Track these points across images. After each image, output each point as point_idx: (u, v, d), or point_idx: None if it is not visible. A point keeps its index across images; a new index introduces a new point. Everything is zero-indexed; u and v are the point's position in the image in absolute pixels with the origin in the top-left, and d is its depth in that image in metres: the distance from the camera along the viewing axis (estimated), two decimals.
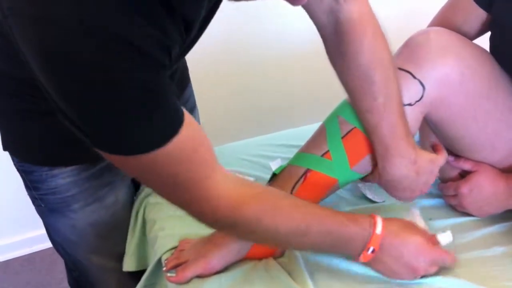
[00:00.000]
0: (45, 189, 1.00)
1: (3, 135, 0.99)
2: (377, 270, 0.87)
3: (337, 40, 0.89)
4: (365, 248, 0.82)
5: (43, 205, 1.04)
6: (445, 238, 0.91)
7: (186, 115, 0.68)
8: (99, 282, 1.17)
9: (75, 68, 0.57)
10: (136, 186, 1.17)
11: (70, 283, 1.26)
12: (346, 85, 0.92)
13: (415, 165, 0.91)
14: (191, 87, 1.25)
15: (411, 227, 0.87)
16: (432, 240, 0.87)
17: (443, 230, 0.91)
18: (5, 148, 1.00)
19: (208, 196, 0.73)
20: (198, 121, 1.32)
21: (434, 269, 0.87)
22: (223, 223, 0.77)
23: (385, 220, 0.84)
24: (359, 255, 0.83)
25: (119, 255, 1.13)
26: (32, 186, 1.02)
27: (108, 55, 0.57)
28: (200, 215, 0.76)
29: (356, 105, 0.91)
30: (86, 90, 0.58)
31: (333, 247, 0.84)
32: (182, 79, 1.19)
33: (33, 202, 1.06)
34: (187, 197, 0.72)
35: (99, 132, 0.63)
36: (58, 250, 1.16)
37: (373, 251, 0.82)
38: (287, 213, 0.79)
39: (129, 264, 1.12)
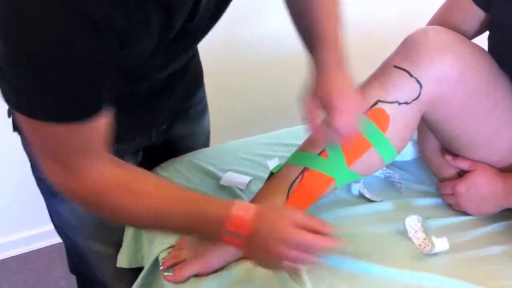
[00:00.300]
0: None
1: (13, 115, 1.01)
2: (248, 258, 0.84)
3: None
4: (223, 229, 0.77)
5: (46, 187, 1.07)
6: (440, 244, 0.91)
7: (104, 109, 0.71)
8: (97, 267, 1.19)
9: (19, 18, 0.60)
10: None
11: (70, 267, 1.28)
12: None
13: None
14: (204, 90, 1.25)
15: (275, 209, 0.82)
16: (306, 223, 0.78)
17: (440, 234, 0.92)
18: (14, 129, 1.02)
19: (83, 179, 0.75)
20: (208, 124, 1.32)
21: (297, 254, 0.77)
22: (89, 205, 0.80)
23: (248, 203, 0.82)
24: (222, 239, 0.79)
25: (116, 243, 1.14)
26: (38, 168, 1.02)
27: (50, 13, 0.60)
28: (70, 192, 0.78)
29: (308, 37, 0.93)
30: (23, 40, 0.61)
31: (195, 230, 0.81)
32: (195, 81, 1.20)
33: (38, 184, 1.09)
34: (62, 171, 0.75)
35: (15, 84, 0.65)
36: (59, 234, 1.18)
37: (231, 233, 0.77)
38: (149, 198, 0.79)
39: (121, 261, 1.12)
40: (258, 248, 0.78)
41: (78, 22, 0.61)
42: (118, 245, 1.13)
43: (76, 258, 1.21)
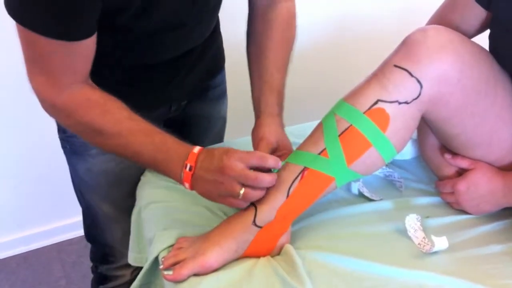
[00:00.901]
0: (71, 132, 1.11)
1: None
2: (199, 193, 0.91)
3: (262, 22, 1.13)
4: (183, 166, 0.88)
5: (68, 147, 1.18)
6: (440, 242, 0.91)
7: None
8: (107, 231, 1.27)
9: None
10: None
11: (85, 232, 1.35)
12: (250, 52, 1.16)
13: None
14: (224, 75, 1.34)
15: (226, 149, 0.88)
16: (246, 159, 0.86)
17: (440, 233, 0.92)
18: None
19: (62, 92, 0.88)
20: (225, 111, 1.41)
21: (245, 171, 0.85)
22: (64, 116, 0.92)
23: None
24: (180, 176, 0.89)
25: (125, 208, 1.18)
26: (62, 129, 1.17)
27: None
28: (49, 102, 0.89)
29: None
30: None
31: (155, 160, 0.91)
32: (214, 63, 1.28)
33: (61, 144, 1.19)
34: (46, 82, 0.87)
35: None
36: (76, 193, 1.27)
37: (190, 169, 0.88)
38: (116, 117, 0.90)
39: (130, 258, 1.16)
40: (204, 180, 0.87)
41: None
42: (129, 210, 1.17)
43: (89, 221, 1.28)
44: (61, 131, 1.17)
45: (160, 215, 1.04)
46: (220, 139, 1.42)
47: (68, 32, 0.80)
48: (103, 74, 0.92)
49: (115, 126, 0.90)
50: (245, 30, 1.16)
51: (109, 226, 1.26)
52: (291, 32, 1.15)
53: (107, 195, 1.21)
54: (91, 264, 1.38)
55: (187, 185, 0.90)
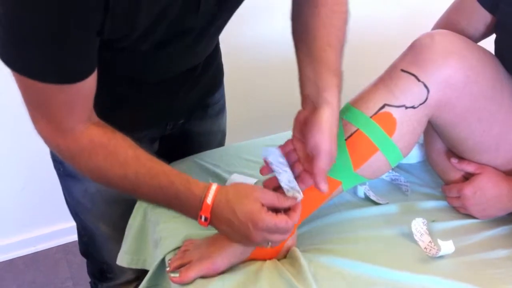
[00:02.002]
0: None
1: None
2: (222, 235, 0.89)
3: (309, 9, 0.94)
4: (198, 216, 0.83)
5: (62, 169, 1.13)
6: (446, 247, 0.91)
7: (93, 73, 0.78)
8: (105, 250, 1.24)
9: None
10: None
11: (80, 249, 1.32)
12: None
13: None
14: (223, 90, 1.29)
15: (246, 194, 0.83)
16: (275, 205, 0.82)
17: (446, 237, 0.92)
18: None
19: (67, 136, 0.82)
20: (225, 124, 1.36)
21: (275, 236, 0.82)
22: (71, 160, 0.86)
23: (220, 188, 0.84)
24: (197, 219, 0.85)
25: (123, 228, 1.16)
26: None
27: None
28: (55, 147, 0.85)
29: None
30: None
31: (170, 205, 0.87)
32: (214, 81, 1.23)
33: (54, 166, 1.15)
34: (49, 126, 0.81)
35: (7, 39, 0.70)
36: (72, 214, 1.23)
37: (206, 220, 0.83)
38: (122, 159, 0.84)
39: (120, 259, 1.14)
40: (225, 229, 0.84)
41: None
42: (123, 229, 1.16)
43: (86, 238, 1.25)
44: (54, 153, 1.09)
45: (167, 217, 1.04)
46: None
47: (66, 75, 0.74)
48: (99, 94, 0.84)
49: (120, 169, 0.84)
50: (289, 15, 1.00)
51: (106, 245, 1.23)
52: (341, 6, 0.96)
53: (104, 215, 1.18)
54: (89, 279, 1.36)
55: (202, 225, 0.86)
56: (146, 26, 0.79)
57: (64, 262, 1.99)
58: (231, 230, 0.83)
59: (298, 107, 0.91)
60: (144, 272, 1.02)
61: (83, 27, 0.70)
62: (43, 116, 0.80)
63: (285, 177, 0.85)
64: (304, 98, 0.90)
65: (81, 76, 0.76)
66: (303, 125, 0.87)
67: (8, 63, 0.72)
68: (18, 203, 1.96)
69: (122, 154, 0.84)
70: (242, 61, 1.82)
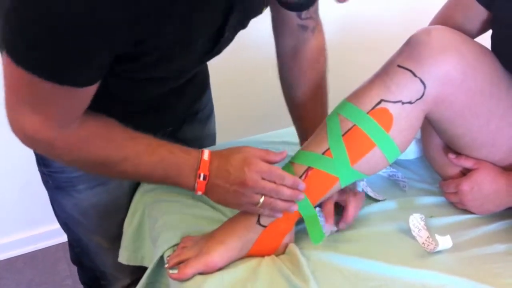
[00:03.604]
0: (54, 167, 1.06)
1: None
2: (215, 201, 0.91)
3: (293, 63, 1.11)
4: (196, 176, 0.86)
5: (50, 182, 1.11)
6: (444, 242, 0.92)
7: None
8: (98, 259, 1.23)
9: None
10: None
11: (71, 258, 1.31)
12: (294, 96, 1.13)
13: None
14: (210, 93, 1.30)
15: (238, 149, 0.88)
16: (265, 157, 0.88)
17: (444, 233, 0.92)
18: None
19: (64, 131, 0.81)
20: (214, 127, 1.37)
21: (266, 184, 0.85)
22: (67, 153, 0.85)
23: (212, 150, 0.90)
24: (194, 186, 0.88)
25: (117, 237, 1.16)
26: (43, 163, 1.08)
27: None
28: (47, 140, 0.82)
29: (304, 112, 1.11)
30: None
31: (166, 177, 0.89)
32: (201, 86, 1.24)
33: (42, 178, 1.13)
34: (42, 121, 0.79)
35: (18, 33, 0.68)
36: (62, 226, 1.21)
37: (204, 178, 0.86)
38: (119, 143, 0.86)
39: (121, 257, 1.15)
40: (222, 186, 0.86)
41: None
42: (119, 239, 1.16)
43: (78, 249, 1.24)
44: (42, 165, 1.10)
45: (165, 214, 1.04)
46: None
47: (75, 78, 0.74)
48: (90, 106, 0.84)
49: (120, 152, 0.86)
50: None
51: (100, 255, 1.23)
52: (320, 66, 1.13)
53: (98, 227, 1.18)
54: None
55: (200, 193, 0.89)
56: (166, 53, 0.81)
57: (64, 260, 2.00)
58: (228, 184, 0.85)
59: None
60: (140, 277, 1.02)
61: (108, 39, 0.71)
62: (37, 113, 0.78)
63: None
64: None
65: (90, 82, 0.76)
66: None
67: (18, 61, 0.70)
68: (17, 201, 1.96)
69: (120, 138, 0.86)
70: (230, 62, 1.83)
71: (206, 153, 0.88)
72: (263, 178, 0.85)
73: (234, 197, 0.87)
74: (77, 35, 0.67)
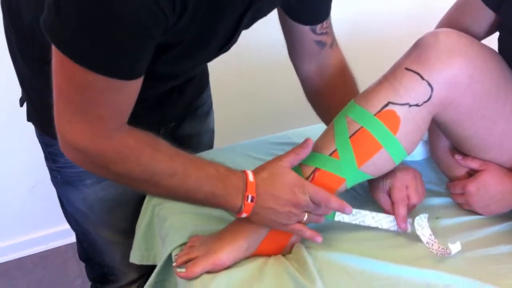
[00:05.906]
0: (62, 162, 1.07)
1: (28, 106, 1.05)
2: (258, 222, 0.89)
3: (320, 83, 1.10)
4: (244, 197, 0.85)
5: (59, 177, 1.12)
6: (455, 247, 0.92)
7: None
8: (106, 254, 1.24)
9: None
10: None
11: (79, 253, 1.31)
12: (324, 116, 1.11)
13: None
14: (209, 91, 1.31)
15: (281, 172, 0.88)
16: (297, 157, 0.90)
17: (449, 233, 0.93)
18: (28, 119, 1.06)
19: (112, 137, 0.79)
20: (213, 122, 1.37)
21: (316, 207, 0.88)
22: (115, 163, 0.81)
23: (255, 170, 0.89)
24: (240, 208, 0.86)
25: (124, 230, 1.17)
26: (51, 158, 1.09)
27: None
28: (95, 150, 0.79)
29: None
30: None
31: (213, 195, 0.86)
32: (201, 82, 1.25)
33: (50, 174, 1.14)
34: (86, 127, 0.77)
35: (72, 22, 0.68)
36: (69, 221, 1.22)
37: (252, 200, 0.85)
38: (168, 155, 0.84)
39: (133, 257, 1.16)
40: (272, 211, 0.86)
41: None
42: (127, 233, 1.17)
43: (86, 244, 1.25)
44: (50, 160, 1.10)
45: (174, 213, 1.05)
46: (210, 148, 1.40)
47: (125, 70, 0.73)
48: None
49: (170, 164, 0.83)
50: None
51: (108, 250, 1.23)
52: (348, 81, 1.12)
53: (106, 221, 1.18)
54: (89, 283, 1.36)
55: (245, 215, 0.87)
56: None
57: (73, 260, 2.00)
58: (278, 205, 0.86)
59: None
60: (147, 272, 1.03)
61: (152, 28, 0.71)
62: (85, 120, 0.76)
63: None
64: None
65: (138, 73, 0.75)
66: None
67: (67, 52, 0.69)
68: (27, 202, 1.97)
69: (168, 150, 0.84)
70: (231, 62, 1.84)
71: (250, 174, 0.87)
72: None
73: (286, 217, 0.87)
74: (134, 25, 0.68)
